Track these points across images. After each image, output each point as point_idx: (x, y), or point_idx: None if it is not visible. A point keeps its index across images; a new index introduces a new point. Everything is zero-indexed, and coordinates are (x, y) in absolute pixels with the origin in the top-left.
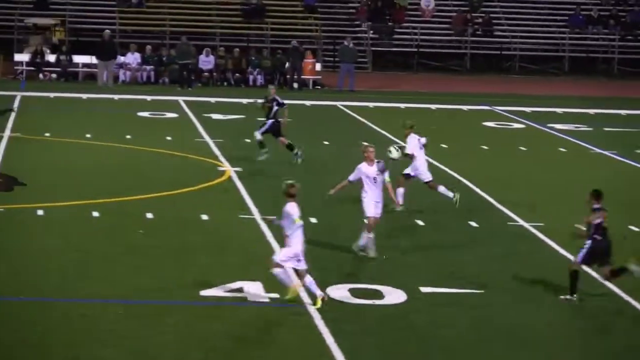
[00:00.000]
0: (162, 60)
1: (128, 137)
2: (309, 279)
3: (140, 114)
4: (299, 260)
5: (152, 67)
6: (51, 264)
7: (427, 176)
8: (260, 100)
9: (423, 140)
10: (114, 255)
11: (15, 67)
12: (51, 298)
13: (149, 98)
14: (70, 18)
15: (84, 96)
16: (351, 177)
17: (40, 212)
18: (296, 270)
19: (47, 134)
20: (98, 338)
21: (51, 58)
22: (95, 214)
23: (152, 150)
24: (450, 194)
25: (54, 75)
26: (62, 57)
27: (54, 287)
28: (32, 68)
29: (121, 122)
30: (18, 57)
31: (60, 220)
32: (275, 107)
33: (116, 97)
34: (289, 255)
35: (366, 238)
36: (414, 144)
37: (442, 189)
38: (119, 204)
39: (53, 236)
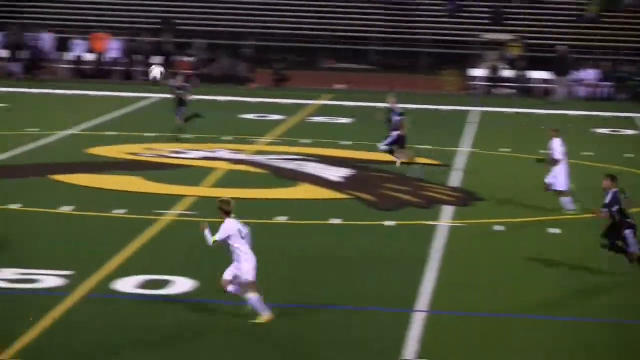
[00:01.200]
0: (619, 76)
1: (585, 154)
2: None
3: (597, 130)
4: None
5: (611, 83)
6: (495, 279)
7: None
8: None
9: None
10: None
11: (470, 83)
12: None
13: (605, 114)
14: (526, 34)
15: (539, 112)
16: None
17: (498, 228)
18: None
19: (504, 150)
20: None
21: (507, 73)
22: (553, 230)
23: (610, 168)
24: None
25: (511, 91)
26: (518, 73)
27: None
28: (488, 83)
29: (576, 139)
30: (473, 72)
31: (517, 236)
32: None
33: (571, 113)
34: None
35: None
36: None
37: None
38: (575, 221)
39: (511, 252)
